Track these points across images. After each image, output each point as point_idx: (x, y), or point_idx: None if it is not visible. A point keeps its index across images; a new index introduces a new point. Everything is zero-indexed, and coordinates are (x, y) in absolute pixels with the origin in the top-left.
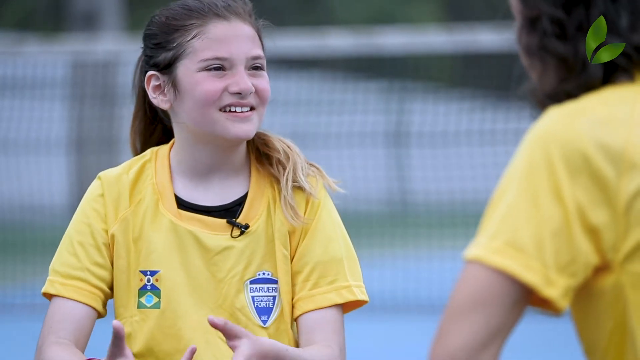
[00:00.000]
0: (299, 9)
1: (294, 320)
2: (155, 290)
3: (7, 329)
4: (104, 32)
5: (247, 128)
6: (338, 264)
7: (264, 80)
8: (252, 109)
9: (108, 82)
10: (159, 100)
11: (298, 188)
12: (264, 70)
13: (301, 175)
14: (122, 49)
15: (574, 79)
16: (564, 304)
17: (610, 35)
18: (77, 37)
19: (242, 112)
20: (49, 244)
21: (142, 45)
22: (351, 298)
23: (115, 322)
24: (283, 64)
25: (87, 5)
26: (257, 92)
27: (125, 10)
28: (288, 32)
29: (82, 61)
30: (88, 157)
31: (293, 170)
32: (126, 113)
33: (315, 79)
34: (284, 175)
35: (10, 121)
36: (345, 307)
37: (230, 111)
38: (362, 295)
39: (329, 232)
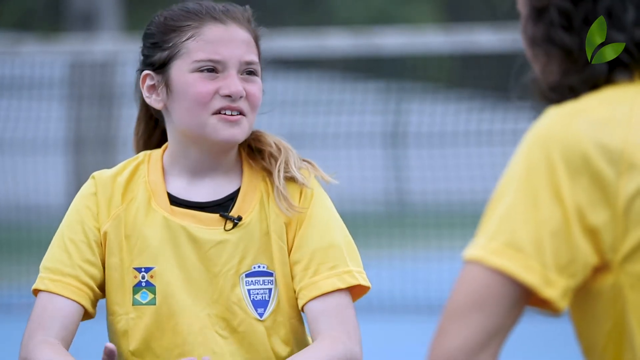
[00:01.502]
0: (299, 9)
1: (301, 311)
2: (150, 286)
3: (4, 329)
4: (102, 32)
5: (236, 132)
6: (337, 250)
7: (255, 86)
8: (241, 114)
9: (106, 82)
10: (152, 99)
11: (291, 179)
12: (257, 76)
13: (293, 167)
14: (121, 49)
15: (578, 73)
16: (563, 304)
17: (615, 30)
18: (75, 37)
19: (232, 115)
20: (45, 244)
21: (141, 45)
22: (353, 282)
23: (108, 344)
24: (282, 64)
25: (85, 5)
26: (248, 97)
27: (123, 11)
28: (288, 32)
29: (80, 61)
30: (86, 157)
31: (285, 162)
32: (124, 113)
33: (313, 79)
34: (276, 166)
35: (8, 121)
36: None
37: (221, 113)
38: (365, 281)
39: (325, 220)
